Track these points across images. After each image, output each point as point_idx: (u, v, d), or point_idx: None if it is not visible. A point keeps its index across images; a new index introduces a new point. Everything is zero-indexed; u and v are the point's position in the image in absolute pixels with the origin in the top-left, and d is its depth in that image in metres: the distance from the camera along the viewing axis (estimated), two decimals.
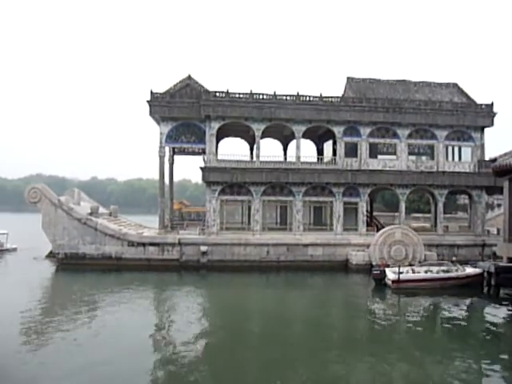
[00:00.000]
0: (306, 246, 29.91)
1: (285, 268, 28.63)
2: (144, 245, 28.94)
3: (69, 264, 28.38)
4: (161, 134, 31.93)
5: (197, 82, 32.33)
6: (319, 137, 37.79)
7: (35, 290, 22.35)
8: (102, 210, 34.25)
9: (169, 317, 17.80)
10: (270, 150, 35.71)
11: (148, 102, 31.24)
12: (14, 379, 10.94)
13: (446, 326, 17.25)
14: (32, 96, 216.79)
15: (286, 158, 34.04)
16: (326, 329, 16.50)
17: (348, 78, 36.47)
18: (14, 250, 37.01)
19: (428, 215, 42.15)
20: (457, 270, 23.63)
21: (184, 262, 28.74)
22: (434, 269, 23.82)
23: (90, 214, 30.05)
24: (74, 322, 15.90)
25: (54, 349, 13.16)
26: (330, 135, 33.96)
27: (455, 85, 36.95)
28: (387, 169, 32.36)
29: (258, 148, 32.07)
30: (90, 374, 11.23)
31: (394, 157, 32.81)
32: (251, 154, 38.05)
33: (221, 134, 34.62)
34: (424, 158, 33.55)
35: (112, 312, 17.65)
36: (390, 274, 23.14)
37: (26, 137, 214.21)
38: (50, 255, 31.45)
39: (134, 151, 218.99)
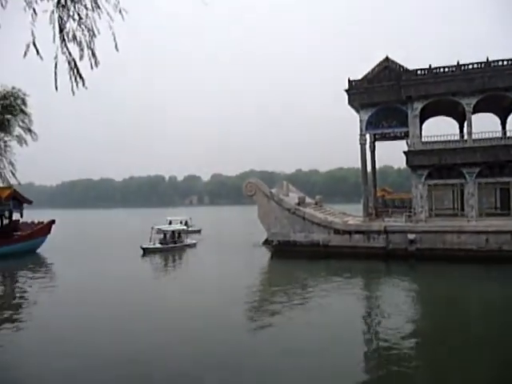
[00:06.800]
0: None
1: (509, 259, 25.01)
2: (350, 233, 29.33)
3: (281, 251, 30.89)
4: (360, 121, 31.72)
5: (395, 63, 30.90)
6: None
7: (258, 274, 25.80)
8: (307, 200, 36.12)
9: (377, 307, 17.53)
10: (484, 125, 31.53)
11: (346, 90, 31.39)
12: (244, 345, 12.63)
13: None
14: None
15: (505, 133, 29.62)
16: None
17: None
18: (194, 245, 37.55)
19: None
20: None
21: (391, 251, 27.98)
22: None
23: (298, 204, 32.09)
24: (292, 304, 17.33)
25: (277, 329, 14.43)
26: None
27: None
28: None
29: (470, 125, 28.84)
30: (301, 353, 12.08)
31: None
32: (461, 132, 34.45)
33: (424, 115, 32.27)
34: None
35: (323, 297, 18.49)
36: None
37: (239, 137, 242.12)
38: (266, 242, 34.79)
39: (334, 142, 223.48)
